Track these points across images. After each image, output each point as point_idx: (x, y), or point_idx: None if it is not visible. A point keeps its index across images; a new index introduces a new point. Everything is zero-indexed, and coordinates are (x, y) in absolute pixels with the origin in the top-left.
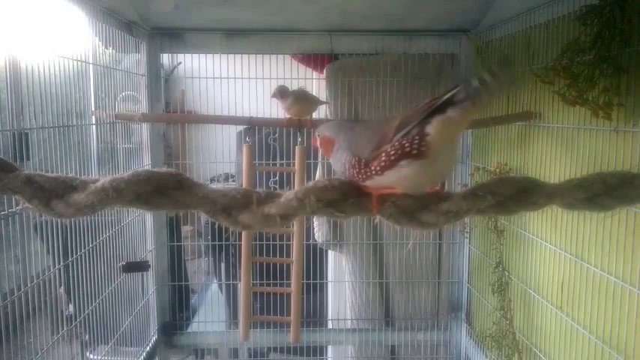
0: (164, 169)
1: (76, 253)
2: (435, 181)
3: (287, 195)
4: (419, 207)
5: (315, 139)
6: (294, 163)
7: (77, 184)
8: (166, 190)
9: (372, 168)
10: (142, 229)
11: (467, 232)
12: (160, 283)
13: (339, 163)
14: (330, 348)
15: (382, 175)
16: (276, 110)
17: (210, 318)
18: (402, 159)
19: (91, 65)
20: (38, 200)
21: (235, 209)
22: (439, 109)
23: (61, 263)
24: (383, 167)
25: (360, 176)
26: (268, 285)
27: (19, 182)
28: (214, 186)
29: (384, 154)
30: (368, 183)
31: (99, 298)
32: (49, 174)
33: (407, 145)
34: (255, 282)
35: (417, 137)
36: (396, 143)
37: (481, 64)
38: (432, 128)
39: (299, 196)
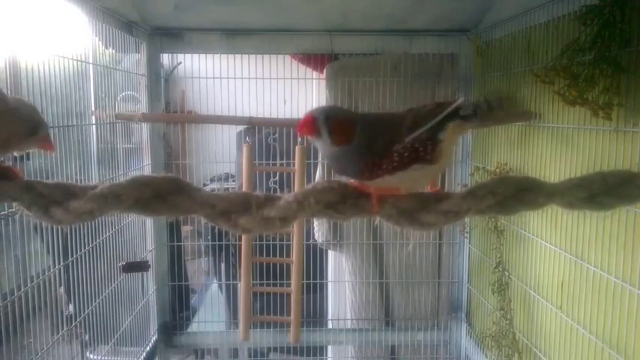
0: (162, 174)
1: (76, 253)
2: (421, 188)
3: (286, 197)
4: (419, 207)
5: (311, 122)
6: (294, 163)
7: (76, 190)
8: (165, 195)
9: (384, 167)
10: (141, 229)
11: (467, 232)
12: (159, 283)
13: (355, 156)
14: (330, 348)
15: (393, 175)
16: (276, 110)
17: (210, 318)
18: (414, 162)
19: (91, 65)
20: (37, 207)
21: (235, 213)
22: (448, 117)
23: (61, 263)
24: (395, 167)
25: (369, 174)
26: (268, 285)
27: (17, 189)
28: (214, 185)
29: (396, 155)
30: (376, 181)
31: (99, 298)
32: (48, 181)
33: (421, 150)
34: (255, 282)
35: (430, 143)
36: (409, 146)
37: (482, 71)
38: (446, 136)
39: (298, 199)
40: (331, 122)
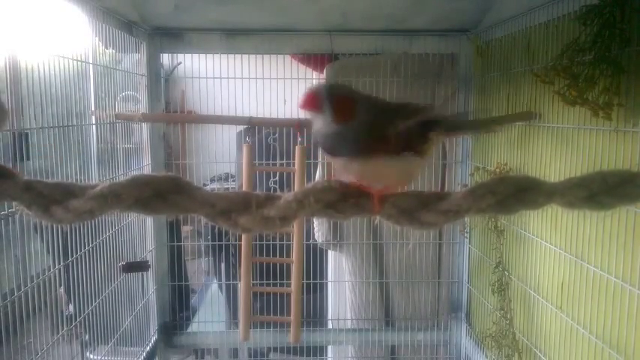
0: (163, 173)
1: (76, 253)
2: (408, 181)
3: (286, 197)
4: (419, 207)
5: (314, 97)
6: (294, 163)
7: (76, 189)
8: (165, 194)
9: (381, 147)
10: (141, 229)
11: (467, 232)
12: (159, 283)
13: (353, 135)
14: (330, 348)
15: (384, 159)
16: (276, 110)
17: (210, 318)
18: (407, 149)
19: (91, 65)
20: (37, 206)
21: (235, 212)
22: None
23: (61, 263)
24: (389, 151)
25: (363, 154)
26: (268, 285)
27: (17, 189)
28: (214, 185)
29: (392, 138)
30: (368, 162)
31: (99, 298)
32: (48, 180)
33: (414, 140)
34: (255, 282)
35: (421, 136)
36: (403, 133)
37: (482, 71)
38: (434, 135)
39: (298, 198)
40: (335, 99)
